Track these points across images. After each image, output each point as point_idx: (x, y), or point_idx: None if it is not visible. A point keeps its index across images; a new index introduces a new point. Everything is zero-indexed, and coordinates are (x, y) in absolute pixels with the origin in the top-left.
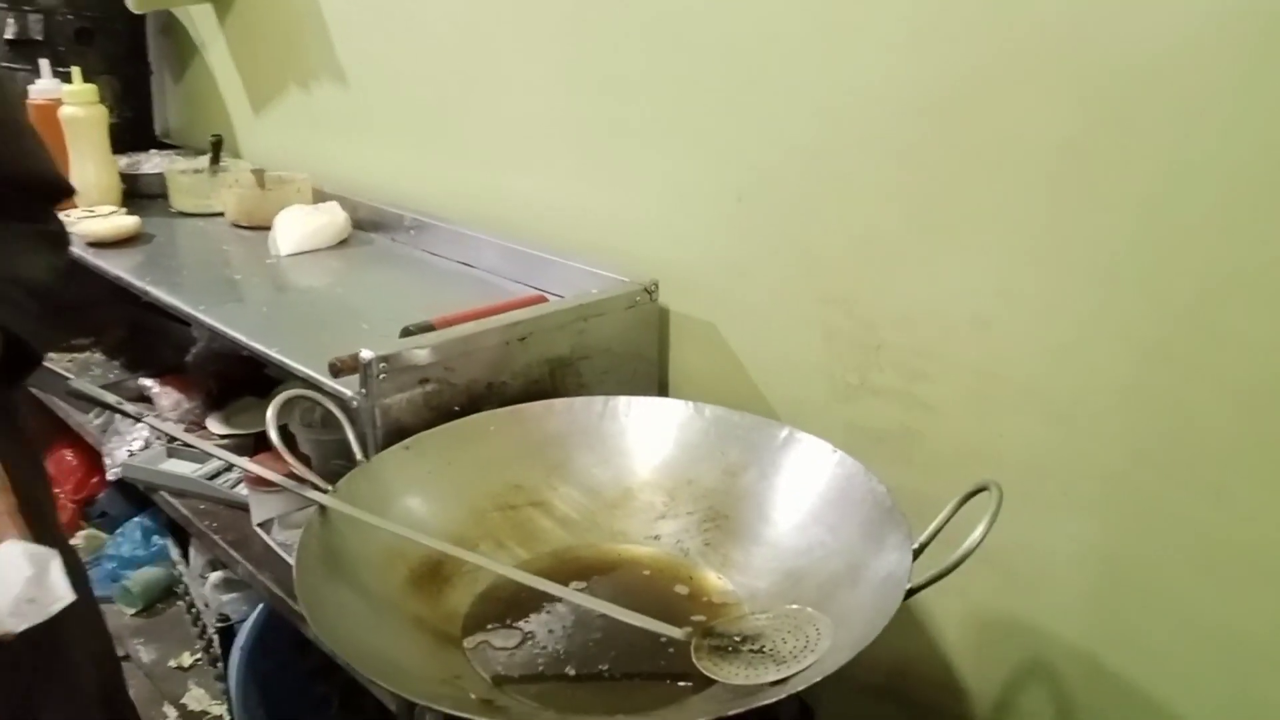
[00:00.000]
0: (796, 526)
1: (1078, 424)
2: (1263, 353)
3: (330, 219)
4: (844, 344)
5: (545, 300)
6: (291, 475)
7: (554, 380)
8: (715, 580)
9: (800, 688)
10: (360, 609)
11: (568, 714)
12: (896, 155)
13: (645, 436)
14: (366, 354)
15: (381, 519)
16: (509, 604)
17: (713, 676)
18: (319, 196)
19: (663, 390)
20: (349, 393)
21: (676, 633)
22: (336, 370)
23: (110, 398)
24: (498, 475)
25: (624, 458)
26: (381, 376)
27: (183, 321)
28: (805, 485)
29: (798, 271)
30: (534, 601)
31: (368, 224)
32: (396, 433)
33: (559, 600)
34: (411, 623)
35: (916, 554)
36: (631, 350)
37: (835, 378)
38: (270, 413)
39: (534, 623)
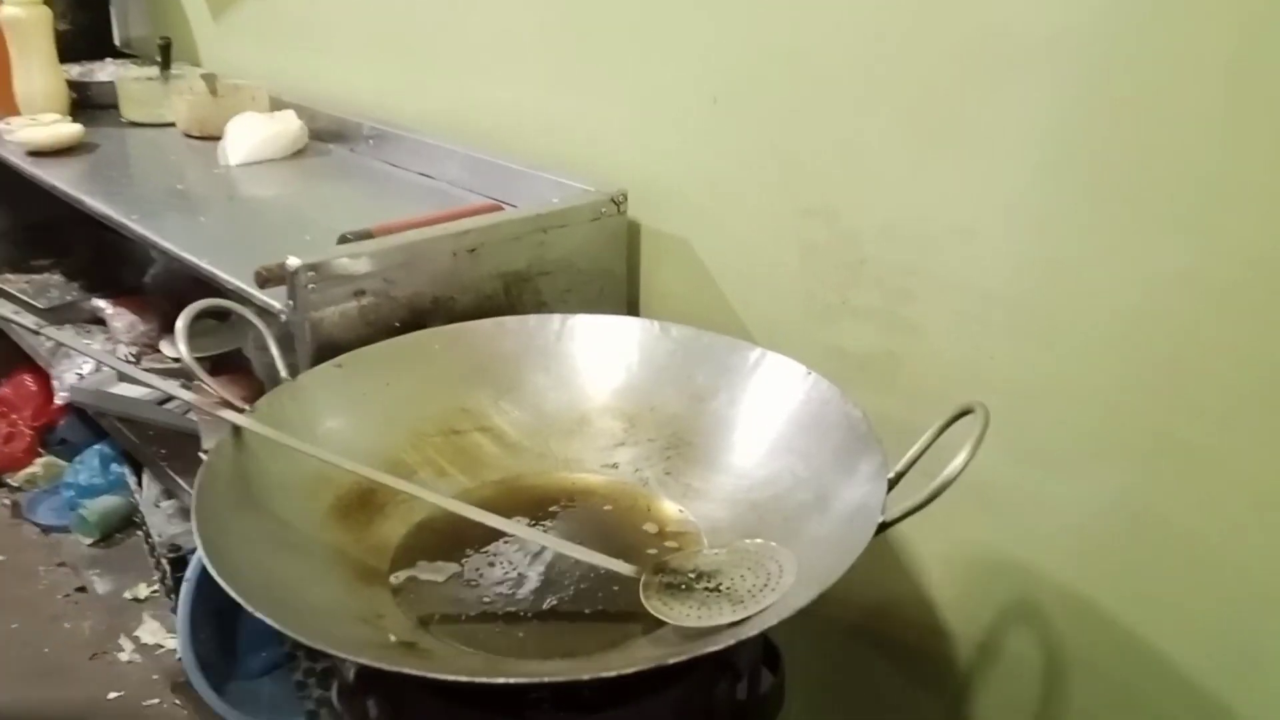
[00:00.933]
0: (765, 454)
1: (1073, 347)
2: (1272, 271)
3: (284, 127)
4: (824, 260)
5: (501, 209)
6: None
7: (509, 297)
8: (674, 512)
9: (757, 631)
10: (270, 540)
11: (497, 657)
12: (884, 54)
13: (605, 358)
14: (293, 261)
15: (300, 441)
16: (446, 537)
17: (661, 617)
18: (276, 105)
19: (632, 310)
20: (277, 305)
21: (624, 568)
22: (263, 280)
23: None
24: (441, 398)
25: (581, 380)
26: (310, 287)
27: None
28: (776, 410)
29: (777, 181)
30: (474, 535)
31: (326, 134)
32: (329, 350)
33: (502, 535)
34: (332, 556)
35: (892, 484)
36: (597, 266)
37: (814, 297)
38: (180, 324)
39: (473, 559)
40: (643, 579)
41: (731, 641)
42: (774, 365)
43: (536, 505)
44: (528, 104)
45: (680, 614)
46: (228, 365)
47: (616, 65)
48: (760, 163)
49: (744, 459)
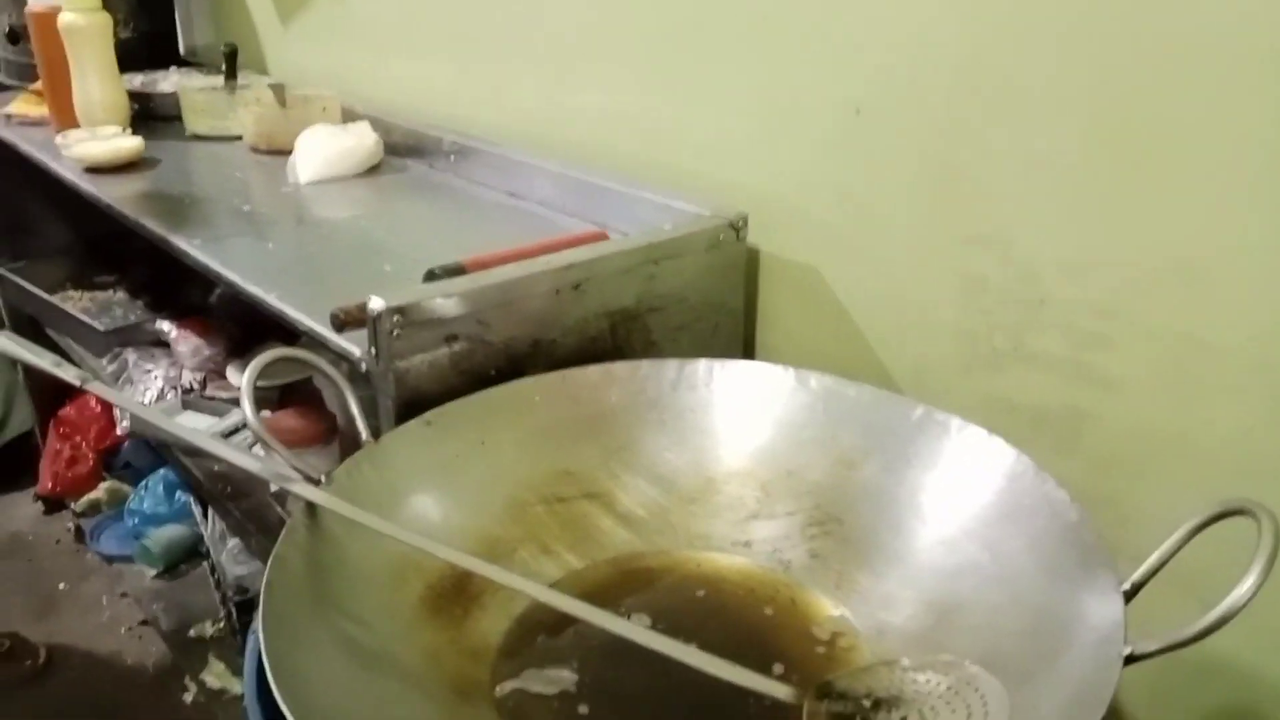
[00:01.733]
0: (940, 540)
1: None
2: None
3: (358, 142)
4: (992, 297)
5: (606, 238)
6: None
7: (616, 338)
8: (827, 607)
9: None
10: (349, 648)
11: None
12: (1076, 53)
13: (733, 412)
14: (376, 303)
15: (387, 521)
16: (556, 630)
17: None
18: (349, 116)
19: (749, 351)
20: (356, 352)
21: (781, 691)
22: (340, 323)
23: (42, 358)
24: (544, 459)
25: (705, 439)
26: (396, 332)
27: None
28: (949, 484)
29: (933, 204)
30: (593, 630)
31: (403, 148)
32: (415, 404)
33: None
34: (424, 663)
35: (1128, 597)
36: (713, 301)
37: (977, 340)
38: (245, 380)
39: (589, 660)
40: (806, 707)
41: None
42: (942, 426)
43: (659, 593)
44: (627, 111)
45: None
46: (296, 395)
47: (735, 65)
48: (914, 182)
49: (912, 544)
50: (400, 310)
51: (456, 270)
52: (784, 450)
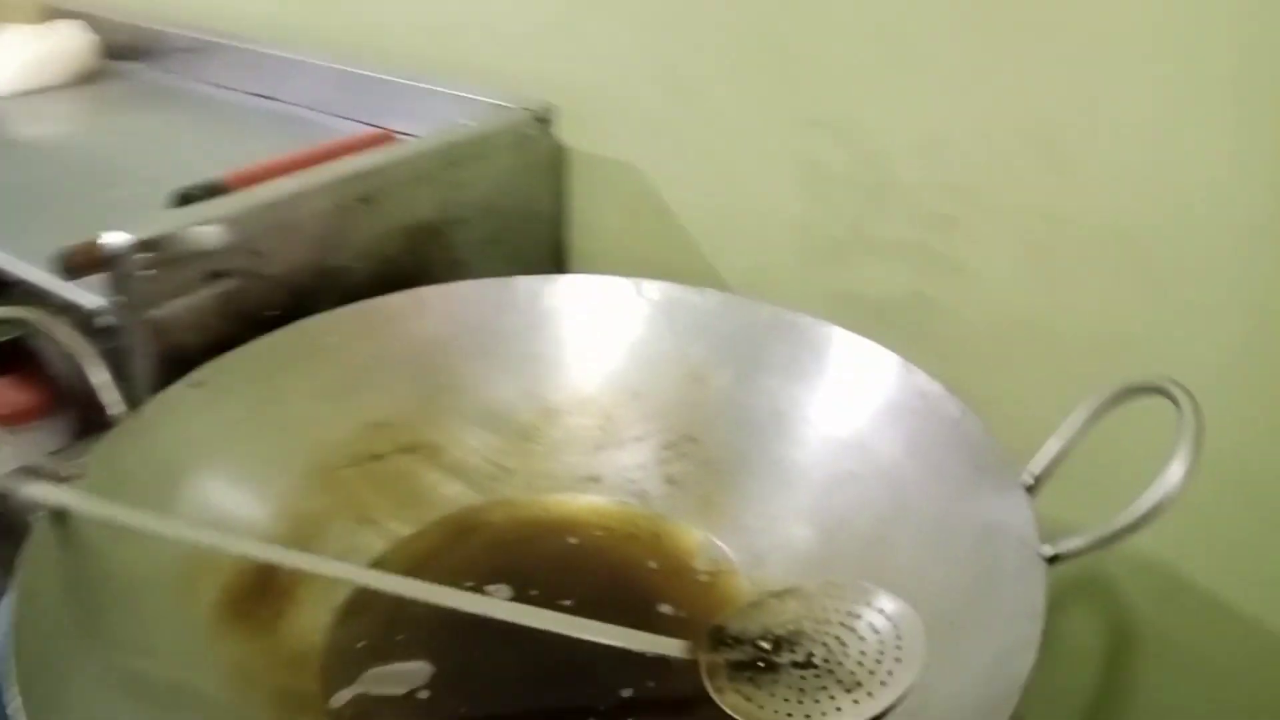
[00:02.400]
0: (808, 451)
1: (1187, 288)
2: None
3: (65, 44)
4: (834, 183)
5: (391, 139)
6: None
7: (416, 259)
8: (695, 537)
9: None
10: (134, 682)
11: None
12: None
13: (565, 333)
14: (117, 238)
15: (157, 515)
16: (393, 616)
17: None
18: (50, 14)
19: (561, 264)
20: (93, 303)
21: (673, 648)
22: (71, 268)
23: None
24: (348, 412)
25: (536, 366)
26: (146, 273)
27: None
28: (811, 388)
29: (769, 85)
30: (431, 608)
31: (127, 50)
32: (178, 361)
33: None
34: (233, 686)
35: (1031, 492)
36: (523, 208)
37: (817, 232)
38: None
39: (442, 645)
40: (704, 662)
41: None
42: (795, 327)
43: (508, 551)
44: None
45: (774, 713)
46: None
47: None
48: (746, 62)
49: (779, 458)
50: (150, 244)
51: (215, 190)
52: (626, 370)
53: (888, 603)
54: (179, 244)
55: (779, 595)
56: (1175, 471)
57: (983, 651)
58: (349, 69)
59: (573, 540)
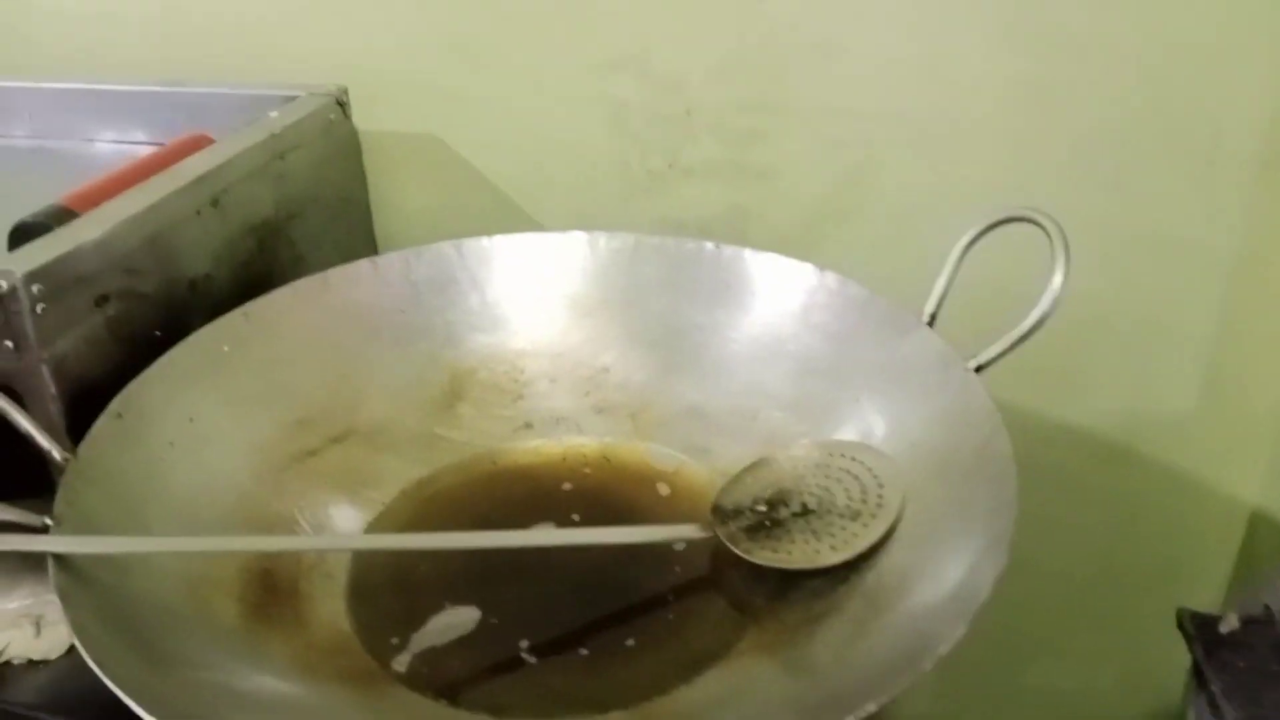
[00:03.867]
0: (719, 352)
1: (959, 148)
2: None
3: None
4: (641, 119)
5: (210, 141)
6: None
7: (265, 258)
8: (642, 451)
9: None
10: (230, 699)
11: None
12: None
13: (446, 301)
14: (9, 272)
15: (159, 538)
16: (404, 583)
17: (785, 566)
18: None
19: (369, 244)
20: None
21: (690, 532)
22: None
23: None
24: (267, 416)
25: (429, 339)
26: (39, 307)
27: None
28: (677, 292)
29: (560, 35)
30: (447, 571)
31: None
32: (85, 397)
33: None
34: (300, 675)
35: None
36: (342, 196)
37: (631, 166)
38: None
39: (465, 590)
40: (722, 534)
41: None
42: (657, 248)
43: (476, 510)
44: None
45: (805, 554)
46: None
47: None
48: (535, 15)
49: (692, 362)
50: (39, 275)
51: (61, 215)
52: (515, 323)
53: (851, 446)
54: (67, 271)
55: (750, 469)
56: (1057, 279)
57: (957, 451)
58: (77, 87)
59: (535, 484)
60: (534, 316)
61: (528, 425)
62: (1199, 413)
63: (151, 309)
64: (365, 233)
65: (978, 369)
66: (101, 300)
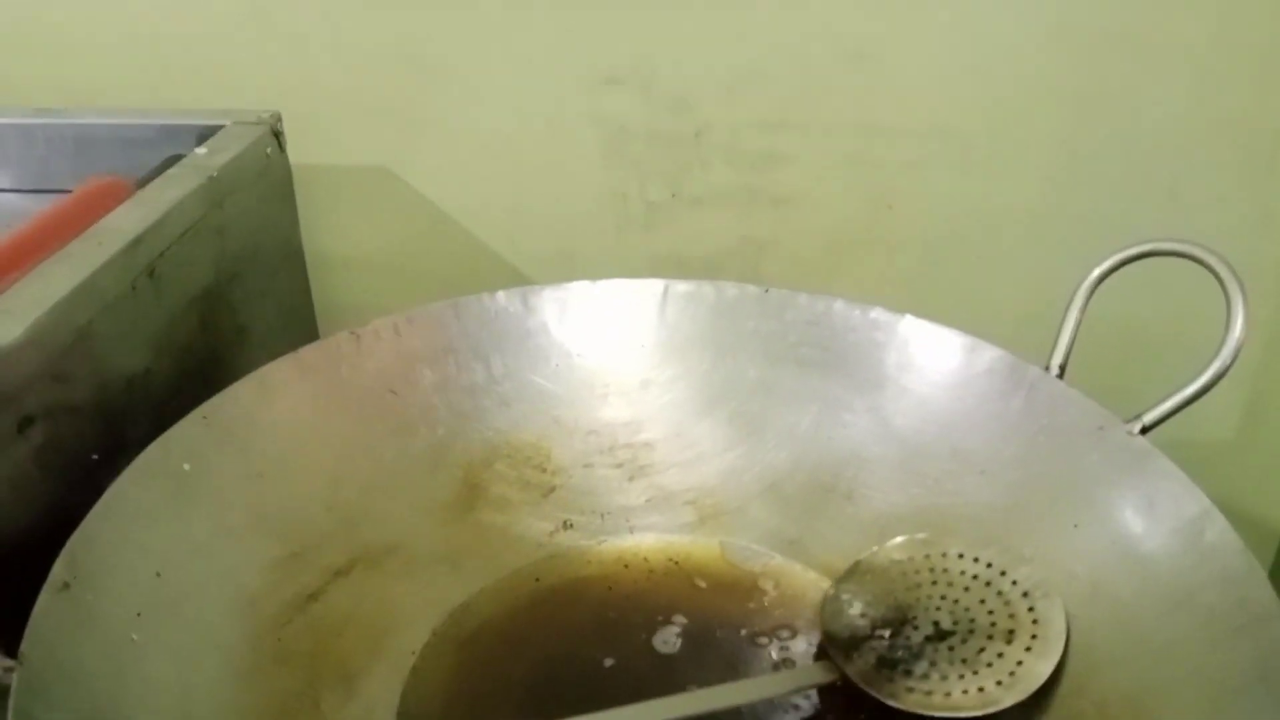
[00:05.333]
0: (777, 429)
1: (1002, 165)
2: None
3: None
4: (641, 142)
5: (127, 188)
6: None
7: (208, 337)
8: (723, 550)
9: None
10: None
11: None
12: None
13: (446, 375)
14: None
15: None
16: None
17: (967, 714)
18: None
19: (308, 301)
20: None
21: (818, 675)
22: None
23: None
24: (249, 554)
25: (431, 423)
26: None
27: None
28: (723, 344)
29: (549, 43)
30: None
31: None
32: (16, 563)
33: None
34: None
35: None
36: (280, 246)
37: (629, 197)
38: None
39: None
40: (855, 676)
41: None
42: (655, 292)
43: (539, 643)
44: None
45: (970, 695)
46: None
47: None
48: (514, 24)
49: (757, 430)
50: None
51: None
52: (530, 397)
53: (963, 545)
54: None
55: (849, 578)
56: (1238, 329)
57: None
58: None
59: (595, 603)
60: (553, 387)
61: (567, 525)
62: (1238, 441)
63: (86, 425)
64: (303, 288)
65: (1144, 430)
66: (25, 424)
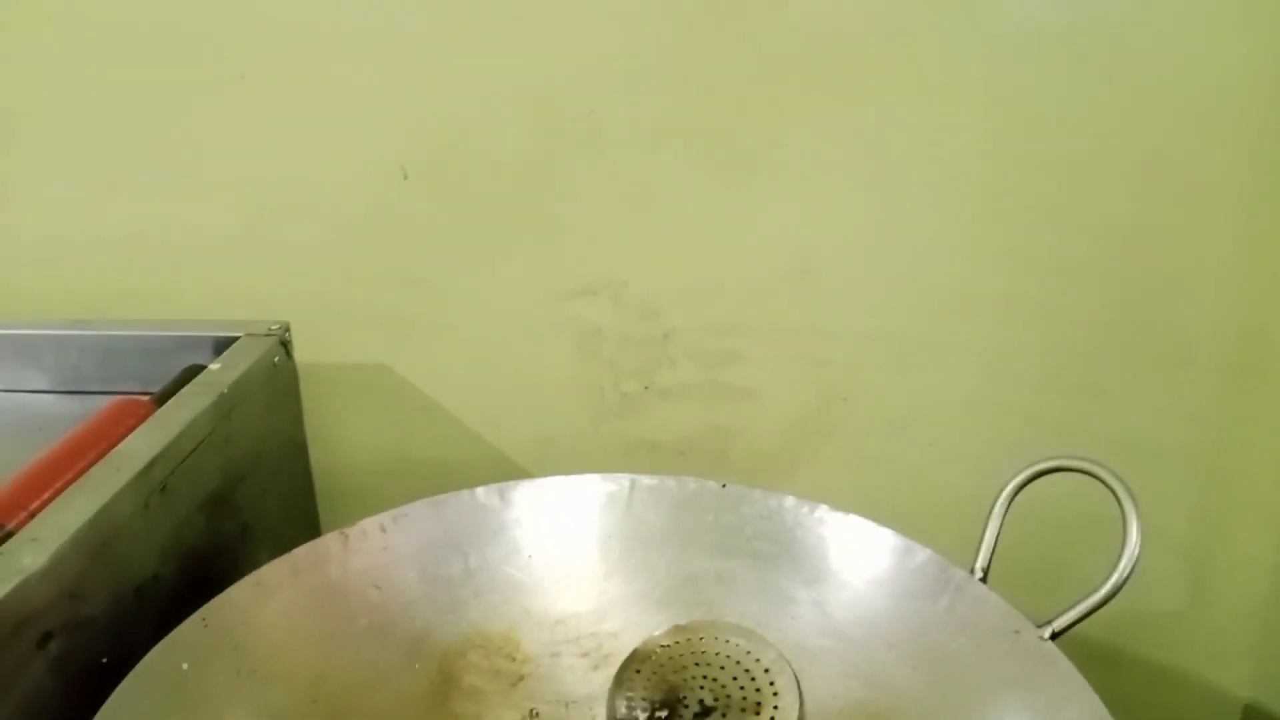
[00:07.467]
0: (728, 587)
1: (938, 364)
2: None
3: None
4: (614, 344)
5: (147, 406)
6: None
7: (213, 539)
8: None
9: None
10: None
11: None
12: (674, 67)
13: (424, 569)
14: None
15: None
16: None
17: None
18: None
19: (309, 490)
20: None
21: None
22: None
23: None
24: None
25: (410, 616)
26: None
27: None
28: (682, 537)
29: (530, 260)
30: None
31: None
32: None
33: None
34: None
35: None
36: (284, 444)
37: (604, 391)
38: None
39: None
40: None
41: None
42: (622, 487)
43: None
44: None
45: None
46: None
47: (218, 148)
48: (500, 244)
49: (715, 618)
50: None
51: None
52: (502, 588)
53: (715, 626)
54: (4, 617)
55: (629, 664)
56: (1133, 541)
57: None
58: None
59: None
60: (525, 578)
61: (534, 715)
62: (1189, 612)
63: (98, 635)
64: (305, 479)
65: (1054, 635)
66: (44, 640)
